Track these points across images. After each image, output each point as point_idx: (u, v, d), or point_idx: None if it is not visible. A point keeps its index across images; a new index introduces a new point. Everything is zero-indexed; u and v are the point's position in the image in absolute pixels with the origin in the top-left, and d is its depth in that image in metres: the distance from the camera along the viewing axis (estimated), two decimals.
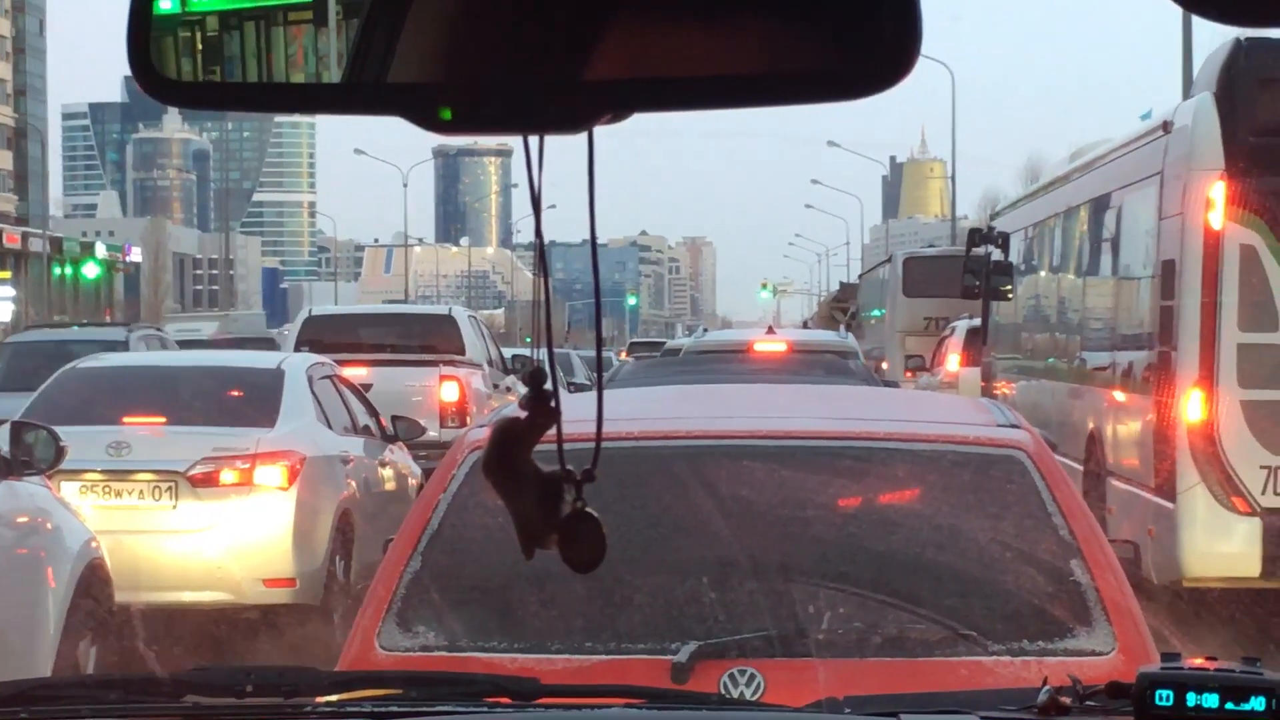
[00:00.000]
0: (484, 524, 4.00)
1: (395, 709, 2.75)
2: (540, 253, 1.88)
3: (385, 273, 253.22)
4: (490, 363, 20.96)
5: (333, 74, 1.52)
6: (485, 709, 2.77)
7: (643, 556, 4.06)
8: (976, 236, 20.13)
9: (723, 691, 3.70)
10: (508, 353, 23.76)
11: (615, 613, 3.99)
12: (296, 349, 18.25)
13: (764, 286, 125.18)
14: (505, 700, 2.83)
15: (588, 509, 1.85)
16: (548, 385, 1.82)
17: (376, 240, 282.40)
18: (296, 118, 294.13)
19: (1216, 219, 10.63)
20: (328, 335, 19.64)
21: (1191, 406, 10.73)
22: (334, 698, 2.86)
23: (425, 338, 20.04)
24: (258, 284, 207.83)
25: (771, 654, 3.82)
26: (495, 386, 20.34)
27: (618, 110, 1.49)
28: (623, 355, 34.09)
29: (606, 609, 3.99)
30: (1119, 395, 12.70)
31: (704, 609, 3.95)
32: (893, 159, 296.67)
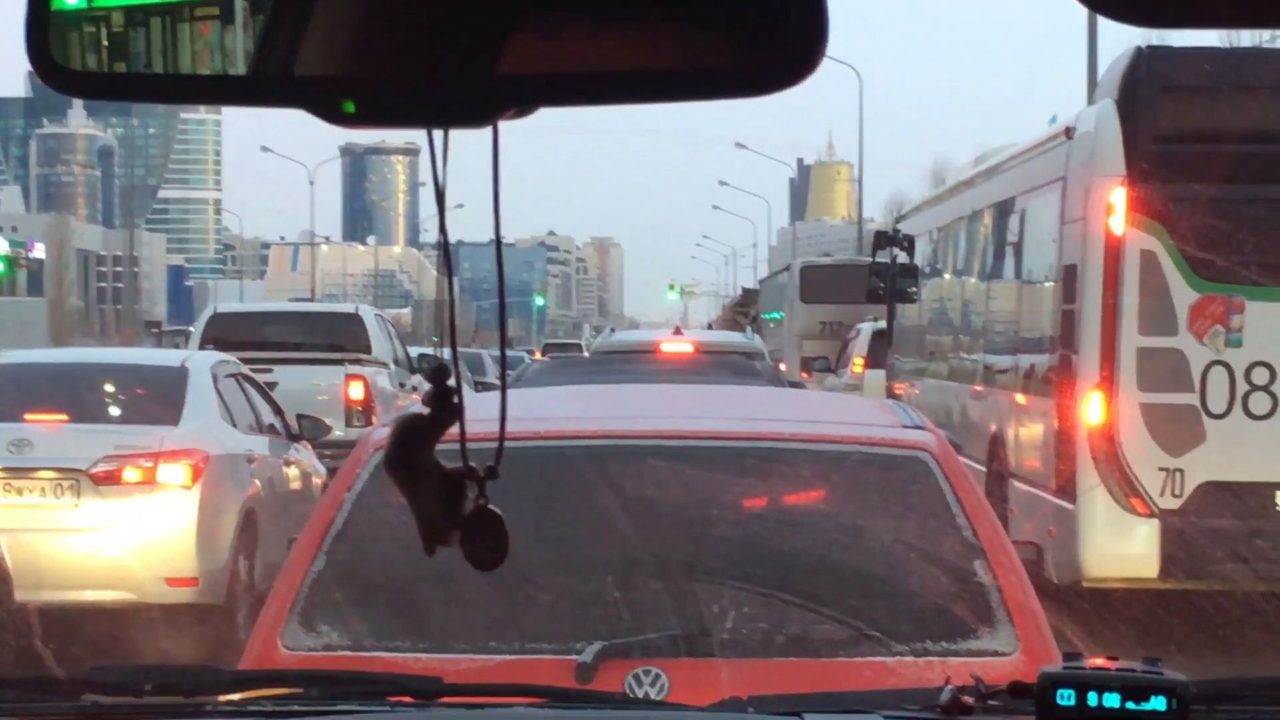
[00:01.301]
0: (388, 523, 3.97)
1: (296, 708, 2.73)
2: (444, 248, 1.85)
3: (291, 271, 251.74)
4: (396, 362, 21.03)
5: (239, 67, 1.51)
6: (387, 708, 2.76)
7: (548, 556, 4.05)
8: (882, 239, 20.35)
9: (627, 691, 3.71)
10: (414, 352, 23.82)
11: (520, 612, 3.98)
12: (201, 347, 18.19)
13: (671, 287, 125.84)
14: (408, 699, 2.82)
15: (490, 506, 1.85)
16: (450, 382, 1.82)
17: (282, 238, 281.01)
18: (203, 115, 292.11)
19: (1117, 224, 10.79)
20: (232, 333, 19.58)
21: (1092, 409, 10.88)
22: (235, 696, 2.84)
23: (331, 336, 20.06)
24: (163, 281, 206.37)
25: (676, 654, 3.82)
26: (401, 385, 20.43)
27: (522, 105, 1.49)
28: (537, 355, 34.41)
29: (511, 609, 3.98)
30: (1021, 397, 12.86)
31: (609, 609, 3.96)
32: (800, 161, 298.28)
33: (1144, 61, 10.98)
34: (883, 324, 23.61)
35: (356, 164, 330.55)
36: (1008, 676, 2.68)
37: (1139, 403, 10.82)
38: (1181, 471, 10.76)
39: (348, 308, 23.28)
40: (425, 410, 1.84)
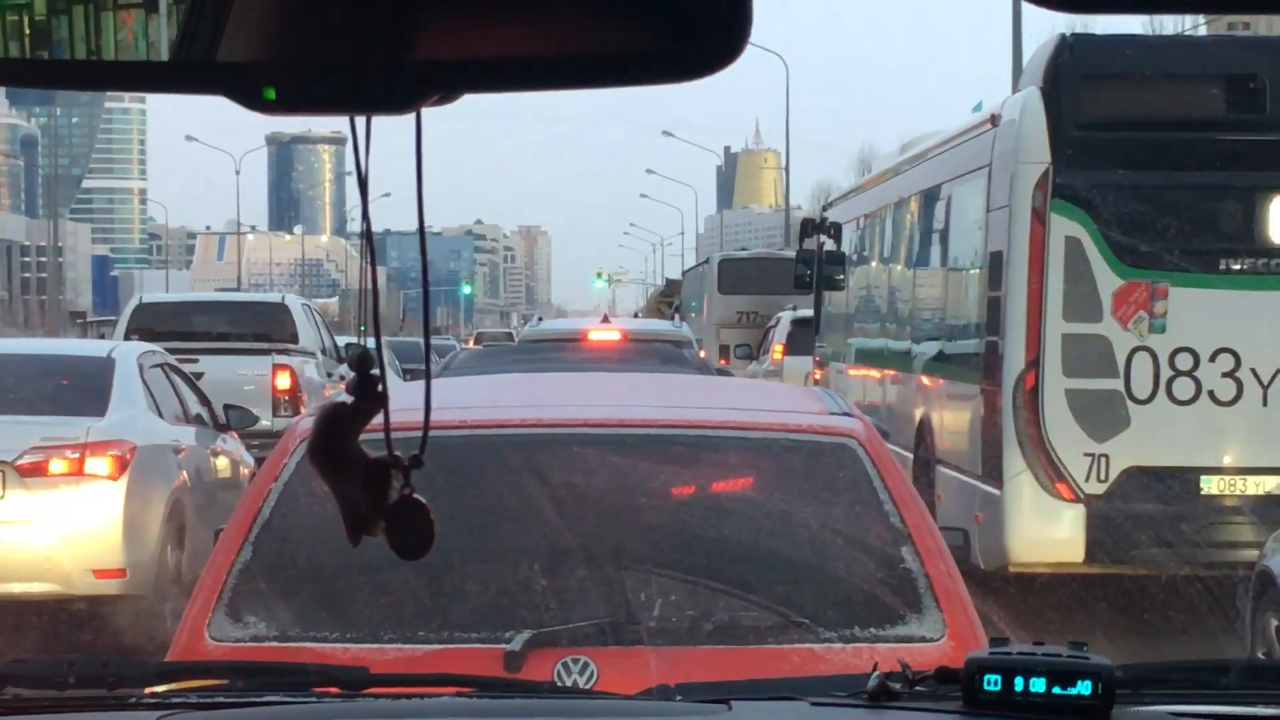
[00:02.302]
0: (315, 513, 3.97)
1: (221, 699, 2.72)
2: (367, 236, 1.82)
3: (218, 260, 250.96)
4: (324, 351, 20.98)
5: (162, 55, 1.50)
6: (313, 699, 2.76)
7: (476, 546, 4.06)
8: (809, 227, 20.52)
9: (556, 680, 3.71)
10: (342, 341, 23.76)
11: (448, 602, 3.98)
12: (126, 338, 18.04)
13: (599, 276, 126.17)
14: (334, 690, 2.83)
15: (415, 495, 1.84)
16: (374, 370, 1.81)
17: (209, 228, 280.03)
18: (127, 104, 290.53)
19: (1042, 211, 10.89)
20: (159, 323, 19.52)
21: (1017, 395, 10.98)
22: (159, 688, 2.82)
23: (258, 326, 19.98)
24: (88, 272, 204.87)
25: (604, 642, 3.83)
26: (329, 375, 20.34)
27: (446, 91, 1.48)
28: (471, 344, 34.91)
29: (439, 598, 3.98)
30: (948, 384, 12.96)
31: (537, 598, 3.95)
32: (727, 149, 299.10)
33: (1068, 50, 11.06)
34: (802, 313, 24.91)
35: (283, 153, 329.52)
36: (935, 662, 2.70)
37: (1064, 388, 10.92)
38: (1106, 457, 10.87)
39: (274, 297, 23.30)
40: (349, 399, 1.83)
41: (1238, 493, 10.95)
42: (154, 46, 1.49)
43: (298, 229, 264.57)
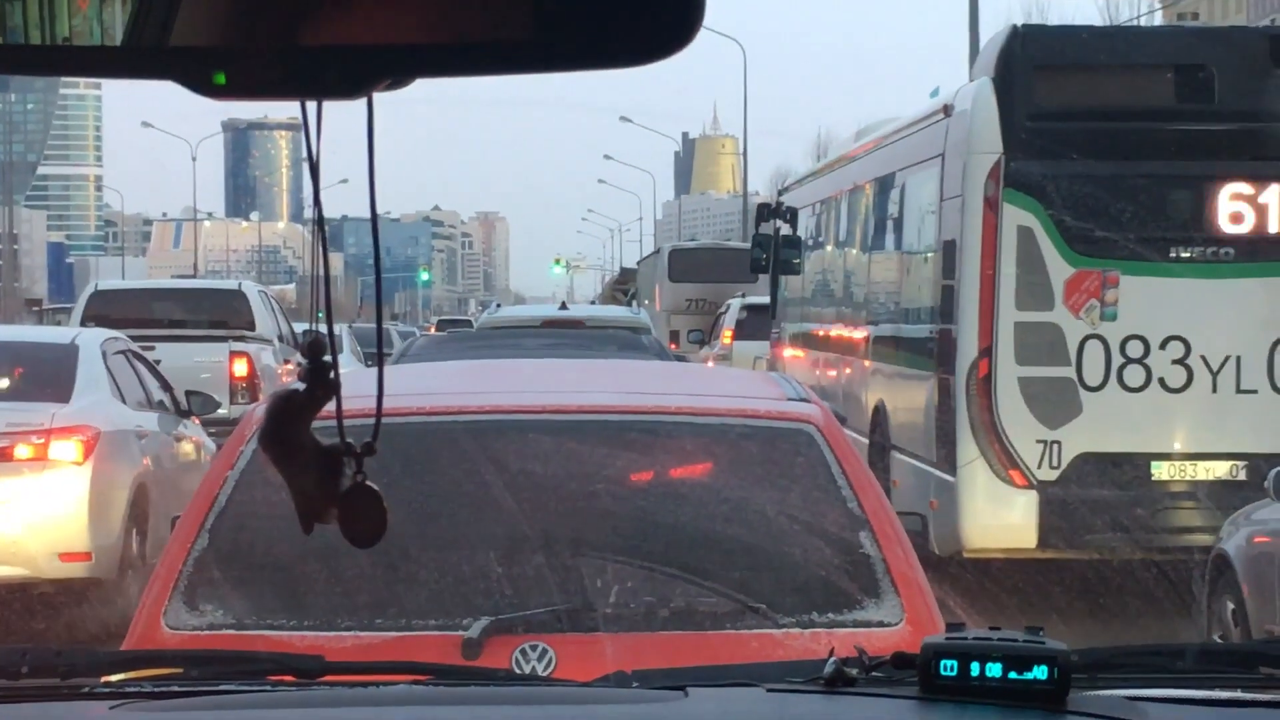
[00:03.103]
0: (271, 501, 3.94)
1: (176, 688, 2.72)
2: (319, 222, 1.83)
3: (174, 247, 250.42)
4: (281, 338, 21.05)
5: (115, 39, 1.49)
6: (269, 687, 2.76)
7: (433, 533, 4.07)
8: (764, 211, 20.59)
9: (514, 667, 3.73)
10: (300, 328, 23.81)
11: (405, 590, 3.99)
12: (82, 324, 18.07)
13: (557, 262, 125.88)
14: (289, 678, 2.83)
15: (368, 482, 1.83)
16: (326, 357, 1.81)
17: (165, 214, 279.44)
18: (82, 90, 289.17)
19: (995, 201, 11.00)
20: (115, 310, 19.48)
21: (970, 382, 11.09)
22: (113, 677, 2.83)
23: (215, 313, 20.04)
24: (43, 259, 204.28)
25: (562, 629, 3.85)
26: (286, 362, 20.42)
27: (397, 75, 1.47)
28: (432, 330, 35.39)
29: (396, 586, 3.99)
30: (902, 370, 13.06)
31: (494, 585, 3.97)
32: (685, 135, 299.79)
33: (1019, 40, 11.17)
34: (750, 299, 26.49)
35: (239, 139, 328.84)
36: (893, 647, 2.70)
37: (1017, 376, 11.04)
38: (1059, 443, 10.99)
39: (231, 284, 23.24)
40: (301, 386, 1.83)
41: (1188, 478, 11.12)
42: (107, 32, 1.48)
43: (254, 215, 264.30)
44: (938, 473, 11.46)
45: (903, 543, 4.09)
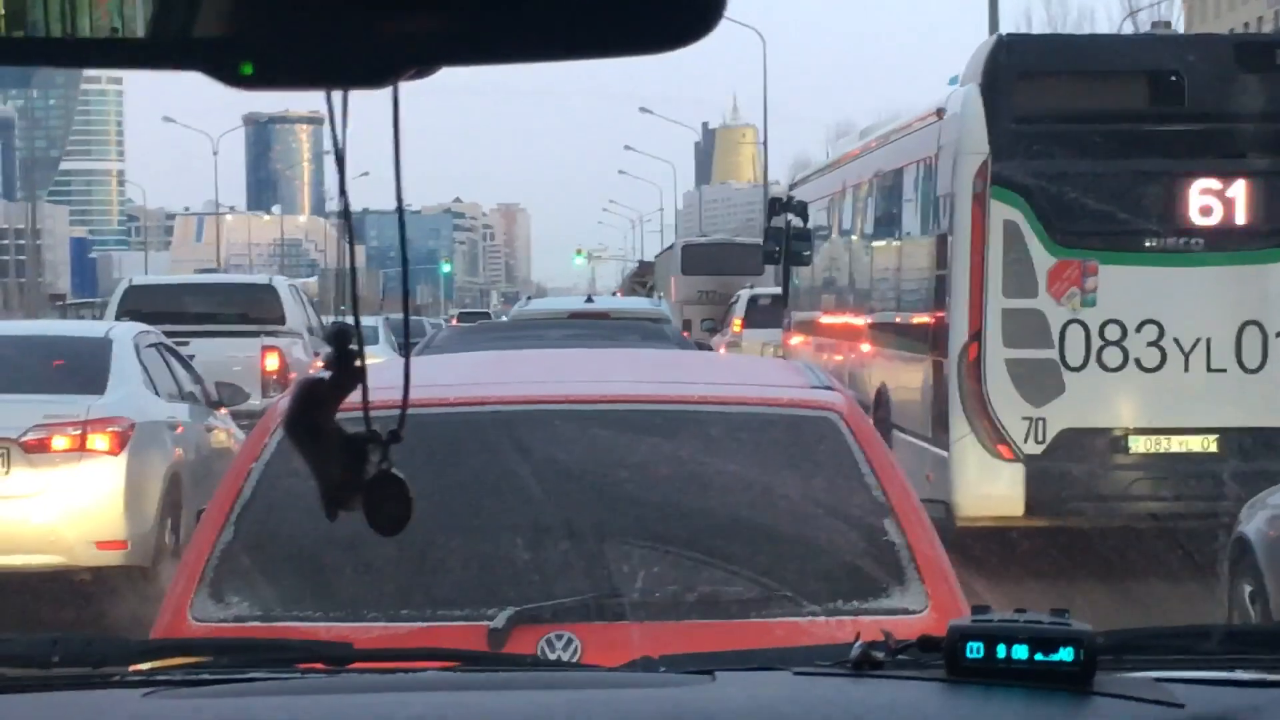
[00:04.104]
0: (296, 493, 3.92)
1: (206, 676, 2.68)
2: (345, 211, 1.80)
3: (196, 241, 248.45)
4: (311, 331, 21.20)
5: (138, 31, 1.47)
6: (298, 675, 2.73)
7: (459, 523, 4.05)
8: (777, 205, 21.05)
9: (540, 656, 3.72)
10: (328, 320, 24.24)
11: (431, 580, 3.97)
12: (118, 319, 18.11)
13: (579, 253, 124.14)
14: (318, 666, 2.81)
15: (393, 470, 1.83)
16: (352, 345, 1.80)
17: (187, 209, 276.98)
18: (104, 85, 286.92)
19: (982, 197, 11.66)
20: (149, 305, 19.51)
21: (962, 365, 11.75)
22: (143, 666, 2.80)
23: (246, 307, 20.23)
24: (66, 254, 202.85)
25: (588, 618, 3.83)
26: (316, 354, 20.50)
27: (422, 65, 1.46)
28: (454, 323, 36.27)
29: (422, 576, 3.97)
30: (901, 354, 13.70)
31: (520, 574, 3.95)
32: (705, 125, 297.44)
33: (1004, 49, 11.87)
34: (758, 291, 28.00)
35: (260, 133, 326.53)
36: (918, 633, 2.69)
37: (1004, 358, 11.67)
38: (1043, 420, 11.64)
39: (262, 279, 23.30)
40: (327, 374, 1.82)
41: (1163, 451, 11.73)
42: (130, 23, 1.46)
43: (276, 209, 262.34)
44: (933, 448, 12.10)
45: (927, 530, 4.06)
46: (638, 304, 20.55)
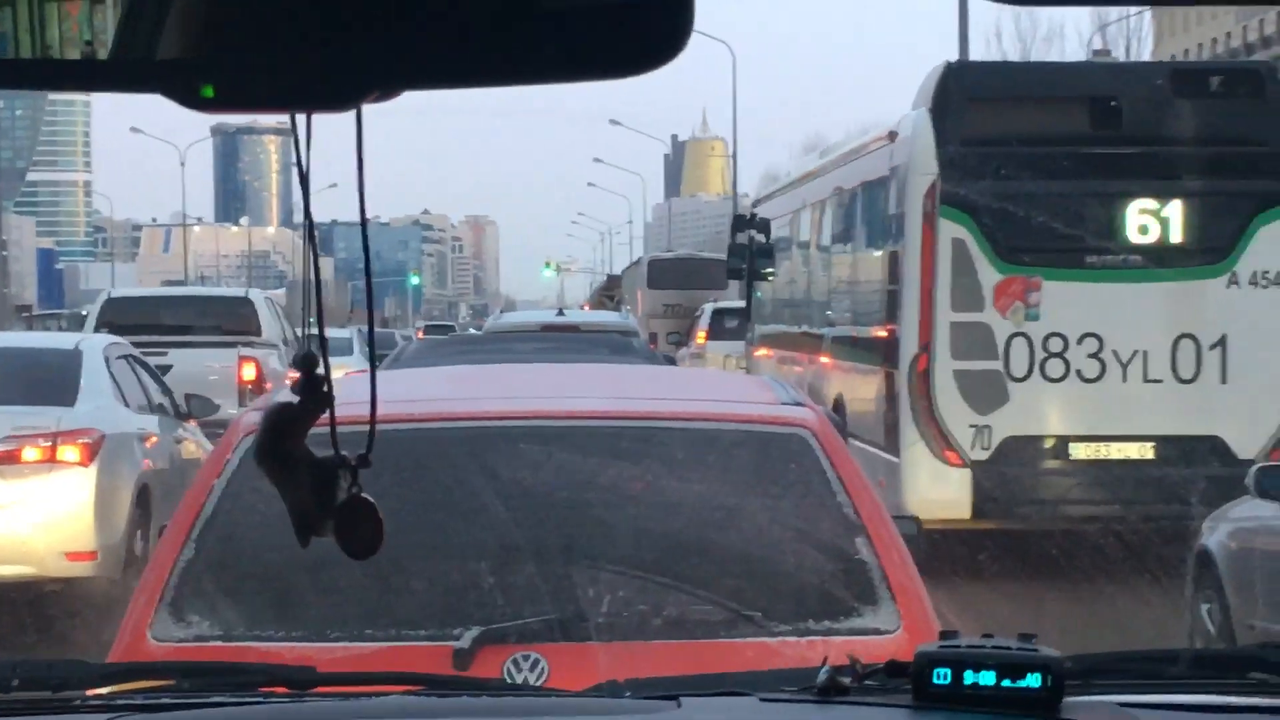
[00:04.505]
0: (259, 510, 3.89)
1: (167, 700, 2.65)
2: (309, 232, 1.84)
3: (164, 252, 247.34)
4: (285, 342, 21.64)
5: (106, 51, 1.47)
6: (260, 699, 2.70)
7: (423, 541, 3.99)
8: (740, 222, 21.58)
9: (506, 677, 3.67)
10: (302, 333, 24.70)
11: (396, 600, 3.92)
12: (97, 330, 18.45)
13: (548, 265, 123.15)
14: (281, 690, 2.78)
15: (364, 495, 1.83)
16: (319, 370, 1.79)
17: (154, 220, 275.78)
18: (71, 96, 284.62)
19: (931, 216, 12.19)
20: (127, 317, 19.98)
21: (912, 375, 12.29)
22: (104, 690, 2.77)
23: (223, 319, 20.67)
24: (33, 265, 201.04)
25: (554, 638, 3.77)
26: (291, 366, 21.13)
27: (385, 88, 1.45)
28: (419, 336, 36.82)
29: (387, 596, 3.92)
30: (857, 366, 14.24)
31: (485, 594, 3.89)
32: (675, 137, 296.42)
33: (952, 76, 12.44)
34: (721, 304, 28.97)
35: (228, 144, 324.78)
36: (890, 655, 2.67)
37: (952, 369, 12.22)
38: (989, 428, 12.19)
39: (238, 292, 23.70)
40: (295, 399, 1.81)
41: (1102, 457, 12.28)
42: (97, 39, 1.46)
43: (244, 220, 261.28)
44: (886, 455, 12.59)
45: (899, 549, 4.01)
46: (606, 317, 21.12)
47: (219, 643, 3.82)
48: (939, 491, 12.19)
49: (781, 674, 3.01)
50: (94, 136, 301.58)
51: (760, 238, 20.21)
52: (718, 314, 29.54)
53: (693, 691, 2.64)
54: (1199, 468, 12.07)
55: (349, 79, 1.44)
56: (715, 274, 31.66)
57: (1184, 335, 12.28)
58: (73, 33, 1.46)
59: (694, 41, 1.51)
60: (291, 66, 1.43)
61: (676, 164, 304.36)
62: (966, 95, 12.37)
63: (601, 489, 4.19)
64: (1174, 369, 12.29)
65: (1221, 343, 12.28)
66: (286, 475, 1.81)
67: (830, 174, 16.35)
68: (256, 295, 22.48)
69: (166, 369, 15.43)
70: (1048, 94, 12.73)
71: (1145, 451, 12.32)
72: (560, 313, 19.37)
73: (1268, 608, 8.41)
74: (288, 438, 1.80)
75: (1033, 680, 2.32)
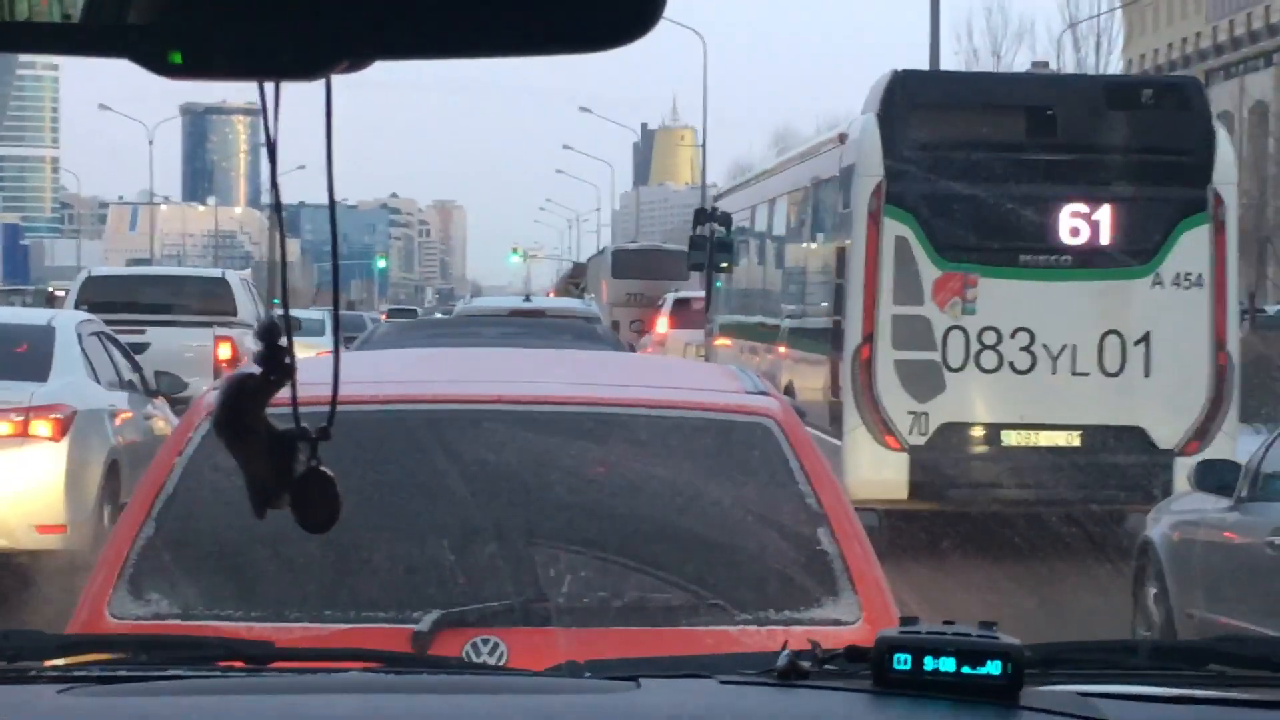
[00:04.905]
0: (220, 488, 3.85)
1: (124, 673, 2.62)
2: (276, 203, 1.80)
3: (130, 231, 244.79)
4: (260, 322, 22.38)
5: (75, 15, 1.45)
6: (218, 673, 2.68)
7: (385, 523, 3.99)
8: (701, 216, 22.22)
9: (465, 660, 3.65)
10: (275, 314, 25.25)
11: (356, 581, 3.91)
12: (76, 307, 18.69)
13: (514, 251, 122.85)
14: (238, 664, 2.76)
15: (322, 468, 1.81)
16: (281, 341, 1.77)
17: (121, 198, 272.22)
18: (39, 71, 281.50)
19: (876, 215, 12.83)
20: (106, 295, 20.43)
21: (855, 364, 12.94)
22: (60, 661, 2.76)
23: (200, 299, 21.13)
24: None
25: (514, 622, 3.76)
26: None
27: (355, 58, 1.43)
28: (383, 319, 37.68)
29: (347, 577, 3.91)
30: (806, 355, 14.89)
31: (446, 577, 3.88)
32: (644, 126, 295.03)
33: (899, 84, 13.10)
34: (683, 294, 29.87)
35: (197, 123, 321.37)
36: (850, 644, 2.66)
37: (893, 359, 12.86)
38: (926, 414, 12.84)
39: (215, 273, 24.12)
40: (256, 370, 1.79)
41: (1031, 444, 12.94)
42: (67, 7, 1.44)
43: (211, 200, 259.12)
44: (830, 438, 13.19)
45: (861, 539, 4.00)
46: (571, 304, 21.86)
47: (177, 620, 3.80)
48: (878, 474, 12.75)
49: (742, 657, 3.05)
50: (62, 112, 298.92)
51: (720, 231, 20.76)
52: (679, 303, 30.33)
53: (652, 673, 2.63)
54: (1122, 456, 12.78)
55: (319, 47, 1.43)
56: (677, 265, 32.11)
57: (1110, 331, 12.90)
58: (41, 4, 1.45)
59: (665, 29, 1.50)
60: (261, 34, 1.42)
61: (646, 152, 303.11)
62: (912, 103, 13.00)
63: (565, 473, 4.17)
64: (1100, 363, 12.90)
65: (1145, 339, 12.92)
66: (245, 446, 1.79)
67: (786, 172, 16.99)
68: (232, 276, 22.85)
69: (144, 347, 15.91)
70: (989, 103, 13.38)
71: (1072, 440, 12.94)
72: (527, 298, 20.09)
73: (1206, 598, 8.62)
74: (247, 409, 1.78)
75: (993, 668, 2.32)
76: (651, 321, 32.78)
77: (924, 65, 24.81)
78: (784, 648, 2.54)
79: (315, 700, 2.46)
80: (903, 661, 2.34)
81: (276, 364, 1.76)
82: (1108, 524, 12.93)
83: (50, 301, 46.71)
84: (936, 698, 2.33)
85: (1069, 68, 55.95)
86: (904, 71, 13.37)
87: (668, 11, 1.42)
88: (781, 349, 16.34)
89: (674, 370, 6.29)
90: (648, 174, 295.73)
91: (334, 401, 1.80)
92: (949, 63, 73.95)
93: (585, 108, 74.73)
